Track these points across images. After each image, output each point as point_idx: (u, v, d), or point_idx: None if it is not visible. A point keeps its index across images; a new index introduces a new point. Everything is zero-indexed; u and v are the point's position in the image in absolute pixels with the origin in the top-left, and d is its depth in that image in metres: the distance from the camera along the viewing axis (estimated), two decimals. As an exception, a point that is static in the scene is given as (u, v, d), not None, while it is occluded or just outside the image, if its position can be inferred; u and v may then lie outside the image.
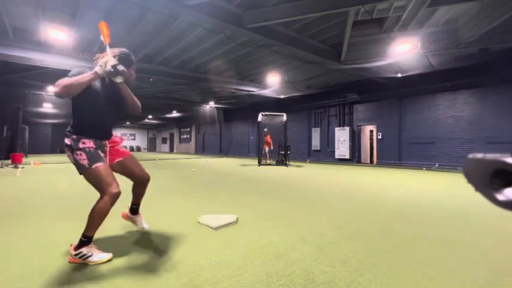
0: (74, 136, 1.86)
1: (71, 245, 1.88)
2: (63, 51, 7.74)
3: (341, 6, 5.50)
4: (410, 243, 2.27)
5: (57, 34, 6.84)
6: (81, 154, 1.83)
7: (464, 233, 2.56)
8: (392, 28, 6.86)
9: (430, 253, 2.07)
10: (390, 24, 6.79)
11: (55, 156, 18.06)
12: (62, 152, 24.58)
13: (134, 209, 2.44)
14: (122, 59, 1.98)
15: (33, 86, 12.16)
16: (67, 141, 1.88)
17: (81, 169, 1.85)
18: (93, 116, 1.91)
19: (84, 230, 1.85)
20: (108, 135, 2.05)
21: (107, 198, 1.82)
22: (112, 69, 1.81)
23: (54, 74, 10.23)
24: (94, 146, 1.90)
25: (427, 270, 1.77)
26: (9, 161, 11.12)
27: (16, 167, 9.30)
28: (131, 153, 2.26)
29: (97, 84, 1.90)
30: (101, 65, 1.82)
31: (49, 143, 24.85)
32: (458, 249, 2.15)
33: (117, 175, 2.04)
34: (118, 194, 1.87)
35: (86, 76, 1.76)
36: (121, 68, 1.85)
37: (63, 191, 4.77)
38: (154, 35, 7.33)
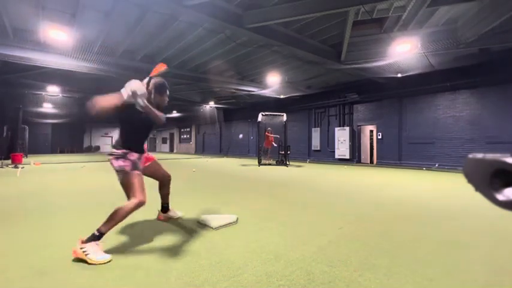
0: (125, 150, 2.15)
1: (79, 239, 1.93)
2: (63, 51, 7.73)
3: (341, 6, 5.50)
4: (410, 243, 2.27)
5: (57, 34, 6.84)
6: (126, 161, 2.13)
7: (464, 233, 2.56)
8: (392, 28, 6.86)
9: (430, 253, 2.07)
10: (390, 24, 6.79)
11: (55, 156, 18.06)
12: (62, 152, 24.62)
13: (165, 208, 2.90)
14: (157, 86, 2.32)
15: (33, 86, 12.16)
16: (118, 151, 2.13)
17: (122, 172, 2.10)
18: (137, 138, 2.29)
19: (101, 225, 1.98)
20: (144, 150, 2.43)
21: (134, 202, 2.04)
22: (130, 93, 2.03)
23: (54, 74, 10.27)
24: (137, 159, 2.22)
25: (427, 270, 1.77)
26: (9, 161, 11.11)
27: (16, 167, 9.30)
28: (155, 158, 2.76)
29: (140, 116, 2.18)
30: (131, 91, 2.05)
31: (49, 143, 24.85)
32: (458, 249, 2.15)
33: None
34: (143, 202, 2.10)
35: (114, 98, 2.04)
36: (140, 92, 2.05)
37: (63, 191, 4.77)
38: (154, 35, 7.33)
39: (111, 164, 2.14)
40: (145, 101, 2.11)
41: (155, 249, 2.12)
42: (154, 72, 2.35)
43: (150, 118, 2.22)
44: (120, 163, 2.10)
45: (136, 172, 2.15)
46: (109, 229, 2.00)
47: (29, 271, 1.73)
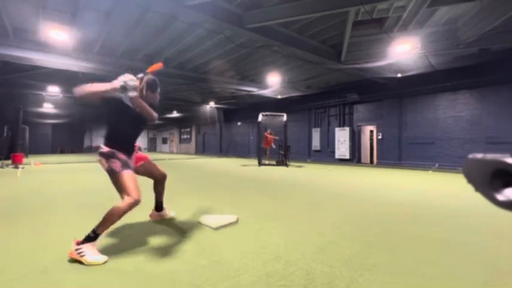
0: (114, 150, 2.10)
1: (74, 240, 1.93)
2: (63, 51, 7.73)
3: (341, 6, 5.50)
4: (410, 243, 2.26)
5: (57, 34, 6.83)
6: (115, 162, 2.07)
7: (464, 233, 2.56)
8: (392, 28, 6.86)
9: (430, 253, 2.07)
10: (390, 24, 6.78)
11: (55, 157, 18.07)
12: (62, 152, 24.62)
13: (159, 206, 2.84)
14: (149, 83, 2.27)
15: (33, 86, 12.16)
16: (105, 150, 2.08)
17: (112, 172, 2.06)
18: (125, 135, 2.23)
19: (96, 226, 1.96)
20: (134, 149, 2.39)
21: (127, 202, 1.99)
22: (122, 83, 1.98)
23: (54, 74, 10.27)
24: (126, 159, 2.18)
25: (427, 270, 1.77)
26: (10, 161, 11.12)
27: (16, 167, 9.30)
28: (148, 156, 2.69)
29: (130, 111, 2.14)
30: (122, 82, 2.01)
31: (49, 143, 24.87)
32: (458, 249, 2.15)
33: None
34: (138, 201, 2.04)
35: (104, 85, 1.97)
36: (131, 83, 2.00)
37: (63, 191, 4.77)
38: (154, 35, 7.33)
39: (101, 164, 2.10)
40: (137, 94, 2.06)
41: (155, 250, 2.12)
42: (151, 69, 2.32)
43: (141, 114, 2.16)
44: (109, 163, 2.05)
45: (127, 171, 2.09)
46: (104, 230, 1.98)
47: (28, 271, 1.73)
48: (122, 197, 2.04)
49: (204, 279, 1.64)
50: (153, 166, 2.65)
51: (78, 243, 1.88)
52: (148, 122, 2.32)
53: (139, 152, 2.56)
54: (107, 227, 1.98)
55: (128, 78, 2.00)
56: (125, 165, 2.09)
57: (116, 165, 2.05)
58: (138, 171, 2.44)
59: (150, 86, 2.27)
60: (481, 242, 2.31)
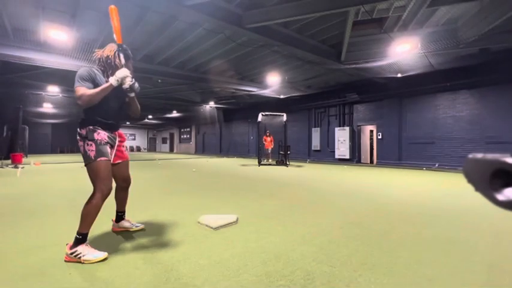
0: (90, 127, 1.95)
1: (66, 244, 1.91)
2: (63, 51, 7.73)
3: (341, 6, 5.50)
4: (410, 243, 2.26)
5: (57, 34, 6.83)
6: (91, 145, 1.92)
7: (464, 233, 2.56)
8: (392, 28, 6.86)
9: (430, 253, 2.07)
10: (390, 24, 6.78)
11: (55, 156, 18.06)
12: (62, 152, 24.62)
13: (120, 216, 2.49)
14: (127, 53, 2.10)
15: (33, 86, 12.16)
16: (82, 131, 1.94)
17: (87, 160, 1.93)
18: (105, 108, 2.02)
19: (78, 227, 1.91)
20: (117, 127, 2.21)
21: (99, 194, 1.92)
22: (128, 88, 1.96)
23: (54, 74, 10.27)
24: (106, 139, 2.01)
25: (427, 270, 1.77)
26: (9, 161, 11.11)
27: (16, 167, 9.29)
28: (129, 158, 2.43)
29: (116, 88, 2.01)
30: (117, 80, 1.93)
31: (49, 143, 24.87)
32: (458, 249, 2.15)
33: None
34: (108, 193, 1.97)
35: (104, 89, 1.90)
36: (136, 85, 1.99)
37: (63, 191, 4.76)
38: (154, 35, 7.33)
39: (79, 147, 1.97)
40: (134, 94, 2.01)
41: (154, 250, 2.12)
42: (119, 38, 2.08)
43: (122, 89, 2.01)
44: (85, 147, 1.92)
45: (101, 159, 1.93)
46: (88, 228, 1.91)
47: (29, 271, 1.73)
48: (93, 187, 1.94)
49: (204, 279, 1.64)
50: (125, 169, 2.34)
51: (71, 247, 1.87)
52: (131, 113, 2.23)
53: (126, 152, 2.34)
54: (89, 224, 1.92)
55: (123, 75, 1.94)
56: (101, 153, 1.93)
57: (91, 150, 1.91)
58: (112, 168, 2.14)
59: (127, 55, 2.11)
60: (481, 242, 2.31)
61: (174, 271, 1.75)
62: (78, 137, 1.97)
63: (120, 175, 2.30)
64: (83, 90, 1.86)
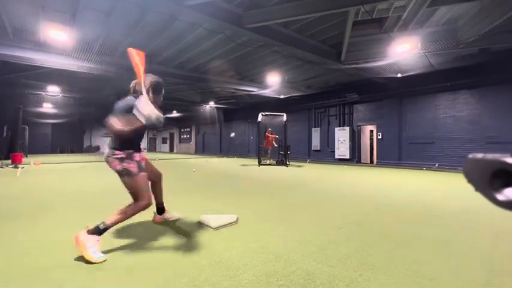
0: (130, 151, 2.13)
1: (86, 227, 1.98)
2: (63, 51, 7.73)
3: (341, 6, 5.50)
4: (410, 243, 2.26)
5: (57, 34, 6.83)
6: (132, 163, 2.11)
7: (464, 233, 2.56)
8: (392, 28, 6.86)
9: (430, 253, 2.07)
10: (390, 24, 6.79)
11: (55, 156, 18.06)
12: (62, 152, 24.61)
13: (160, 209, 2.79)
14: (155, 85, 2.24)
15: (33, 86, 12.16)
16: (121, 154, 2.08)
17: (128, 175, 2.08)
18: (136, 140, 2.25)
19: (107, 220, 2.00)
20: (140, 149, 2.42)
21: (143, 204, 2.10)
22: (157, 122, 2.00)
23: (54, 74, 10.27)
24: (139, 160, 2.22)
25: (427, 270, 1.77)
26: (9, 161, 11.11)
27: (16, 167, 9.29)
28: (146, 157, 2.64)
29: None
30: (147, 118, 1.94)
31: (49, 143, 24.85)
32: (458, 249, 2.15)
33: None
34: (151, 203, 2.18)
35: (133, 127, 1.95)
36: (162, 119, 2.04)
37: (63, 191, 4.77)
38: (154, 35, 7.33)
39: (111, 166, 2.10)
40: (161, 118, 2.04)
41: (155, 250, 2.12)
42: (143, 72, 2.13)
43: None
44: (124, 165, 2.07)
45: (142, 174, 2.16)
46: (113, 225, 2.02)
47: (28, 271, 1.73)
48: (134, 198, 2.11)
49: (204, 279, 1.64)
50: (150, 166, 2.61)
51: (89, 232, 1.92)
52: (159, 127, 2.33)
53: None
54: (117, 223, 2.03)
55: (159, 117, 1.96)
56: (140, 168, 2.16)
57: (133, 167, 2.09)
58: None
59: (156, 88, 2.24)
60: (481, 242, 2.31)
61: (174, 271, 1.75)
62: (112, 158, 2.08)
63: (150, 171, 2.51)
64: (121, 125, 1.94)
